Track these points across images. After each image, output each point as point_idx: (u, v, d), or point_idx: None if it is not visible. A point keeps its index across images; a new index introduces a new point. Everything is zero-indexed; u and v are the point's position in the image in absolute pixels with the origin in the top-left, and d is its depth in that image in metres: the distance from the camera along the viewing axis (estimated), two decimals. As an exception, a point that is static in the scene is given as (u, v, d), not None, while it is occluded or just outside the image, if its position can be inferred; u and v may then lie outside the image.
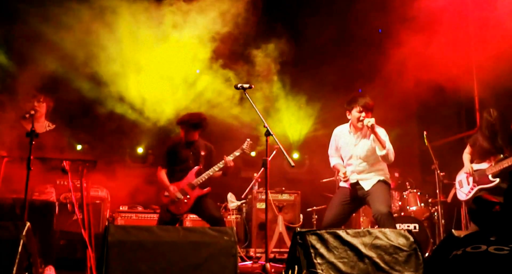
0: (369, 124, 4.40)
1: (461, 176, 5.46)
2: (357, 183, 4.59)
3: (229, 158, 5.17)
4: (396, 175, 7.46)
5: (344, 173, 4.57)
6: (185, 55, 6.76)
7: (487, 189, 5.06)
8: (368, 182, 4.56)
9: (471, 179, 5.26)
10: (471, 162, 5.39)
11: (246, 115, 6.94)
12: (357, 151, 4.63)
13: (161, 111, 6.72)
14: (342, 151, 4.78)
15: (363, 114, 4.50)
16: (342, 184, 4.77)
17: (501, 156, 5.06)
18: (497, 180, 5.01)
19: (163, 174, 5.22)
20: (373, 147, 4.54)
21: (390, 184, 4.66)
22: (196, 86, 6.89)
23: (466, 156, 5.46)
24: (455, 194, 5.72)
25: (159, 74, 6.79)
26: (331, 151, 4.91)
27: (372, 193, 4.48)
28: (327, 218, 4.60)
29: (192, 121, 5.22)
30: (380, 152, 4.46)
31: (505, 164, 4.97)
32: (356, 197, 4.58)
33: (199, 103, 6.72)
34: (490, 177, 5.06)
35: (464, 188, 5.33)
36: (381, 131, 4.55)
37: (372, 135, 4.49)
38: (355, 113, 4.55)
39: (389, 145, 4.48)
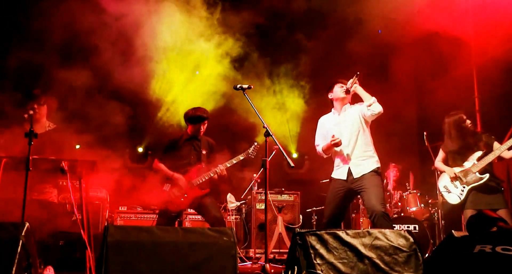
0: (352, 83, 4.61)
1: (444, 182, 5.37)
2: (349, 173, 4.56)
3: (222, 167, 5.13)
4: (393, 164, 7.49)
5: (333, 136, 4.56)
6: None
7: (477, 187, 5.05)
8: (359, 167, 4.53)
9: (457, 182, 5.21)
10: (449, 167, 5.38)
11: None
12: (346, 126, 4.66)
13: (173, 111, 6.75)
14: (329, 131, 4.73)
15: (345, 88, 4.69)
16: (333, 174, 4.73)
17: (479, 152, 5.08)
18: (487, 175, 5.00)
19: (162, 165, 5.19)
20: (359, 115, 4.63)
21: (381, 174, 4.63)
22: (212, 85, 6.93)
23: (439, 163, 5.43)
24: (444, 202, 5.63)
25: (178, 72, 6.83)
26: (318, 140, 4.89)
27: (367, 189, 4.43)
28: (326, 214, 4.62)
29: (195, 115, 5.20)
30: (368, 101, 4.53)
31: (488, 159, 4.98)
32: (349, 188, 4.55)
33: (215, 100, 6.75)
34: (477, 174, 5.05)
35: (454, 191, 5.26)
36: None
37: (355, 109, 4.70)
38: (337, 88, 4.75)
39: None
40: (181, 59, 6.98)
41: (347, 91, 4.68)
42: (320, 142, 4.86)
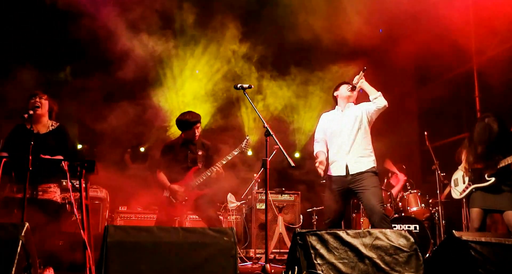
0: (358, 78, 4.67)
1: (457, 174, 5.38)
2: (346, 169, 4.54)
3: (219, 165, 5.12)
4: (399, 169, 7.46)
5: (320, 162, 4.55)
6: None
7: (481, 188, 5.03)
8: (356, 164, 4.53)
9: (467, 178, 5.21)
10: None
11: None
12: (347, 122, 4.68)
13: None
14: (331, 126, 4.77)
15: (350, 87, 4.77)
16: (331, 171, 4.71)
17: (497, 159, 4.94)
18: (492, 179, 4.96)
19: (162, 176, 5.19)
20: (362, 113, 4.67)
21: (378, 174, 4.63)
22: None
23: (464, 151, 5.37)
24: (449, 193, 5.65)
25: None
26: (318, 134, 4.89)
27: (365, 190, 4.42)
28: (328, 212, 4.62)
29: (184, 121, 5.18)
30: (373, 95, 4.63)
31: (501, 163, 4.93)
32: (348, 188, 4.54)
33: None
34: (486, 176, 5.01)
35: (459, 187, 5.26)
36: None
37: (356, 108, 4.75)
38: (343, 89, 4.83)
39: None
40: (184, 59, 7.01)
41: (353, 88, 4.73)
42: (320, 137, 4.87)
